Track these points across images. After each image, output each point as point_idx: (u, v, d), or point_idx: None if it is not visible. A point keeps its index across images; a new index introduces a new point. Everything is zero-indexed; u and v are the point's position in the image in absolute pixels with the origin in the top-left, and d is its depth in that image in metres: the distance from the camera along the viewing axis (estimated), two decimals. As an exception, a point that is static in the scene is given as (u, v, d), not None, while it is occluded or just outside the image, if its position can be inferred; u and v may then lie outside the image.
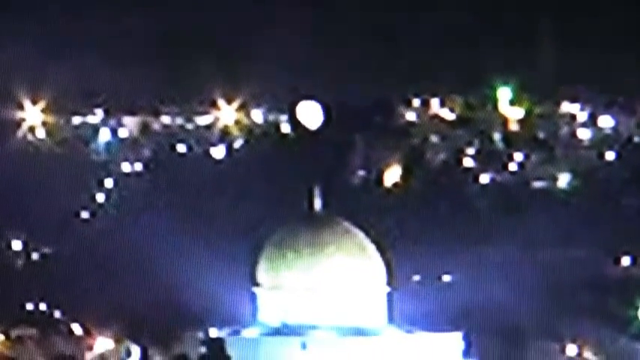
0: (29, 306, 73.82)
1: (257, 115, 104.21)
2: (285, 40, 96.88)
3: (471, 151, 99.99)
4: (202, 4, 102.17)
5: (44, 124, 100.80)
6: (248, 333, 47.08)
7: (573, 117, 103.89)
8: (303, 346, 44.18)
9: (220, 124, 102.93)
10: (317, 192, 49.21)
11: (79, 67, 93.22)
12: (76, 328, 70.44)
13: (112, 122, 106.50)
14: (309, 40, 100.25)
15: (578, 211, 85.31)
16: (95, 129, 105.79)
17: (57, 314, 73.96)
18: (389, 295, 48.48)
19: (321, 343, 43.52)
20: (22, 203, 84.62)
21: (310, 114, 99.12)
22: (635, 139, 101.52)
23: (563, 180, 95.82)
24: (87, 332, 68.91)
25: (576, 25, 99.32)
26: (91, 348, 66.15)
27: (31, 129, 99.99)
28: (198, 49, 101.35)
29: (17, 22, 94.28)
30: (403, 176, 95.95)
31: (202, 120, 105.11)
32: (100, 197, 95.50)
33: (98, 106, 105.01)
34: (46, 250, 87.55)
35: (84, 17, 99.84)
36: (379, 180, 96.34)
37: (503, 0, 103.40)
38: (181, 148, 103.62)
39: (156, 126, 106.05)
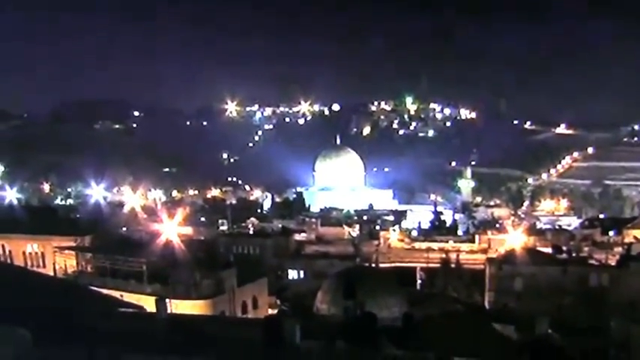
0: (229, 179, 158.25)
1: (316, 107, 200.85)
2: (326, 74, 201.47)
3: (396, 122, 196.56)
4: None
5: (236, 111, 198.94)
6: (312, 189, 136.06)
7: (434, 109, 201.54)
8: (331, 194, 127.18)
9: (302, 111, 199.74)
10: (338, 137, 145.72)
11: (252, 83, 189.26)
12: (247, 187, 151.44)
13: (261, 109, 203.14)
14: (336, 73, 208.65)
15: (434, 146, 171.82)
16: (255, 112, 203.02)
17: (239, 182, 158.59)
18: (365, 175, 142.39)
19: (340, 192, 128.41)
20: (225, 140, 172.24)
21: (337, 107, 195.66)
22: (457, 118, 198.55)
23: (430, 133, 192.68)
24: (250, 188, 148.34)
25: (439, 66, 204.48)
26: (251, 194, 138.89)
27: (230, 112, 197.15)
28: (293, 78, 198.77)
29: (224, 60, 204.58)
30: (370, 131, 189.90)
31: (295, 109, 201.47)
32: (257, 138, 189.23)
33: (255, 102, 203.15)
34: (236, 158, 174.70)
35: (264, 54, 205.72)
36: (361, 132, 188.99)
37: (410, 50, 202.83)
38: (287, 119, 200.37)
39: (277, 111, 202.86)
